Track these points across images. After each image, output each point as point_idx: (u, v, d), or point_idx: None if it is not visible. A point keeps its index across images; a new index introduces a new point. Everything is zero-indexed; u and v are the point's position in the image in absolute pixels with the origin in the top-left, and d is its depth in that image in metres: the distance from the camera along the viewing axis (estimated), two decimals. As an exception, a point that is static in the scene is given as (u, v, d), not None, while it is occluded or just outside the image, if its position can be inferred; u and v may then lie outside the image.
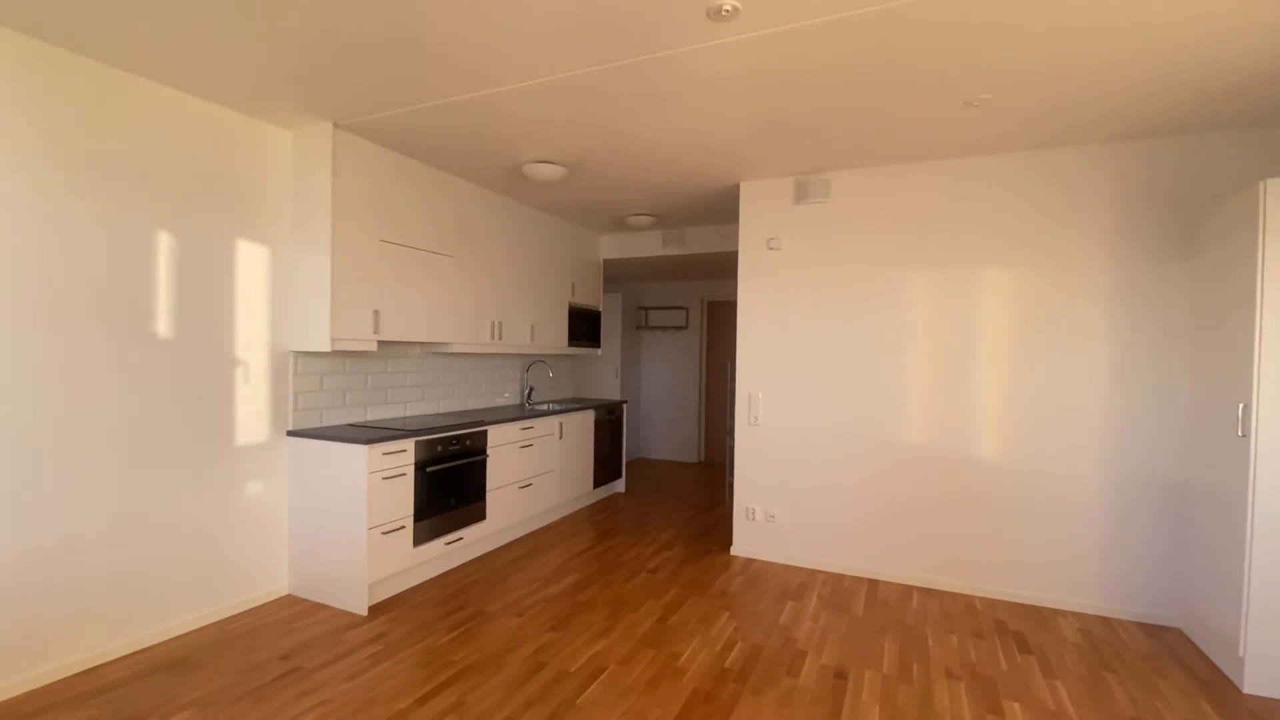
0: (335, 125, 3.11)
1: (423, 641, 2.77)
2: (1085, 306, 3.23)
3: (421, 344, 4.05)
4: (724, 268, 6.35)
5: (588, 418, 5.15)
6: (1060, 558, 3.27)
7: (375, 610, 3.08)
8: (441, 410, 4.34)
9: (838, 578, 3.67)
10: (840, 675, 2.55)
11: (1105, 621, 3.13)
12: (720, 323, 7.34)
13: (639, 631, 2.91)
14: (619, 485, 5.80)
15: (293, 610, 3.08)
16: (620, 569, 3.74)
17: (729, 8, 2.02)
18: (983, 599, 3.38)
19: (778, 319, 3.93)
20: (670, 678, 2.50)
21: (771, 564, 3.88)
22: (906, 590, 3.49)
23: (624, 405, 5.78)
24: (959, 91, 2.66)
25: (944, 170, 3.51)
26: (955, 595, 3.43)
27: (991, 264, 3.41)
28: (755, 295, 4.00)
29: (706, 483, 6.32)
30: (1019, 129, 3.04)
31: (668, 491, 5.89)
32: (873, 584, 3.58)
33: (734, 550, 4.05)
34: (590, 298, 5.69)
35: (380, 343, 3.61)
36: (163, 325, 2.72)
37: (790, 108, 2.84)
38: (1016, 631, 2.99)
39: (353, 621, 2.96)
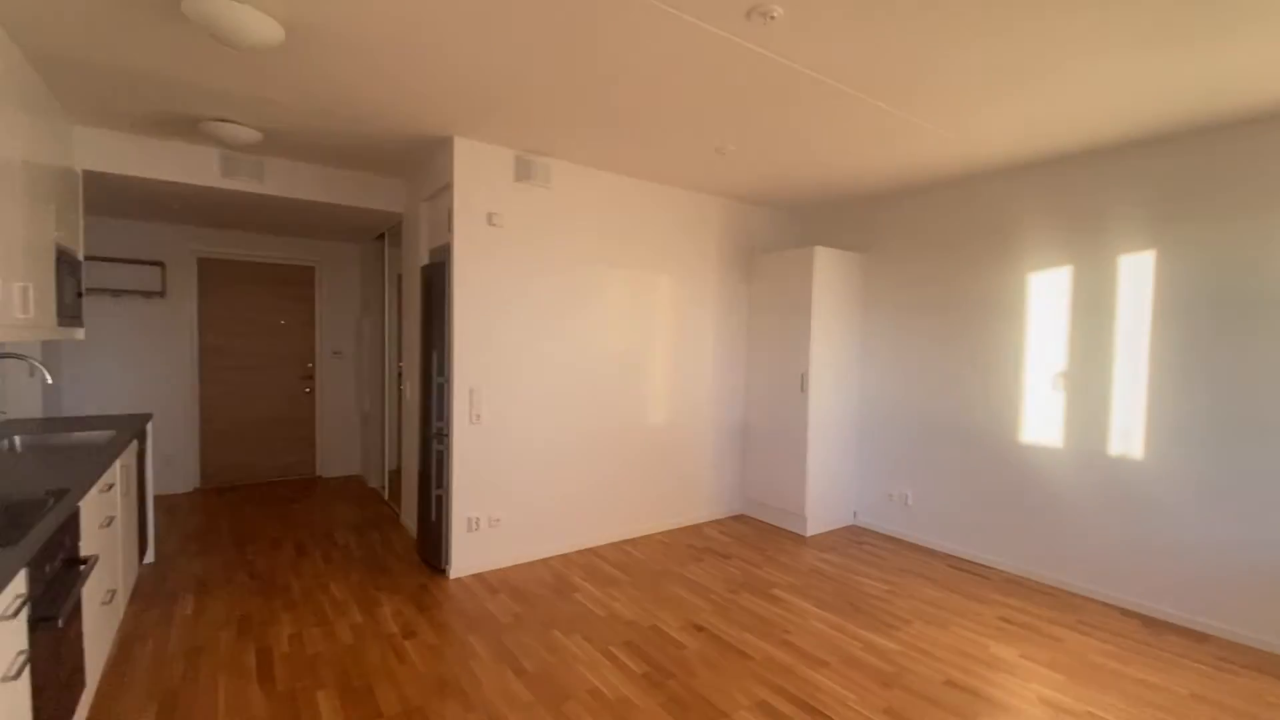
0: None
1: None
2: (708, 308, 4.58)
3: None
4: (270, 218, 4.67)
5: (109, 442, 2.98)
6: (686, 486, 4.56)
7: None
8: None
9: (586, 554, 3.80)
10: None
11: (713, 523, 4.62)
12: (221, 288, 5.26)
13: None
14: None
15: None
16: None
17: None
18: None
19: (505, 304, 3.57)
20: None
21: (505, 569, 3.58)
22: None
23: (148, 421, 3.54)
24: (710, 140, 3.35)
25: (643, 189, 4.13)
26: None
27: (660, 270, 4.29)
28: (475, 274, 3.47)
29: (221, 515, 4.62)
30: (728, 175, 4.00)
31: (221, 539, 4.04)
32: (588, 551, 3.92)
33: (454, 571, 3.46)
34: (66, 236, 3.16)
35: None
36: None
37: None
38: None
39: None
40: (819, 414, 4.33)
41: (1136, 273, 3.23)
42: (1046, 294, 3.57)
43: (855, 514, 4.63)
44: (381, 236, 5.18)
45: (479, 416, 3.52)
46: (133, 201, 4.20)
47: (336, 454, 5.89)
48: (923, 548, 4.12)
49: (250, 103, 2.93)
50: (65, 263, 2.95)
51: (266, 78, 2.64)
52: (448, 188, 3.49)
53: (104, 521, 2.29)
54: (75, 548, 1.90)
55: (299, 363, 5.68)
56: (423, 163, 3.85)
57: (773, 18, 2.04)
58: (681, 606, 3.16)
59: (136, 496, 3.16)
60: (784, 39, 2.21)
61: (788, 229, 5.05)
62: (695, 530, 4.42)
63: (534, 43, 2.29)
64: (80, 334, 3.33)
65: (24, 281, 2.40)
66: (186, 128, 3.28)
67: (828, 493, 4.45)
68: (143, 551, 3.41)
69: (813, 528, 4.37)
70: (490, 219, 3.51)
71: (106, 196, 4.04)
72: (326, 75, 2.60)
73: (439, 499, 3.53)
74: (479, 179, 3.47)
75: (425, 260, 3.99)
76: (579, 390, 3.93)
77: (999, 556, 3.78)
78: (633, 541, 4.15)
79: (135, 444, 3.17)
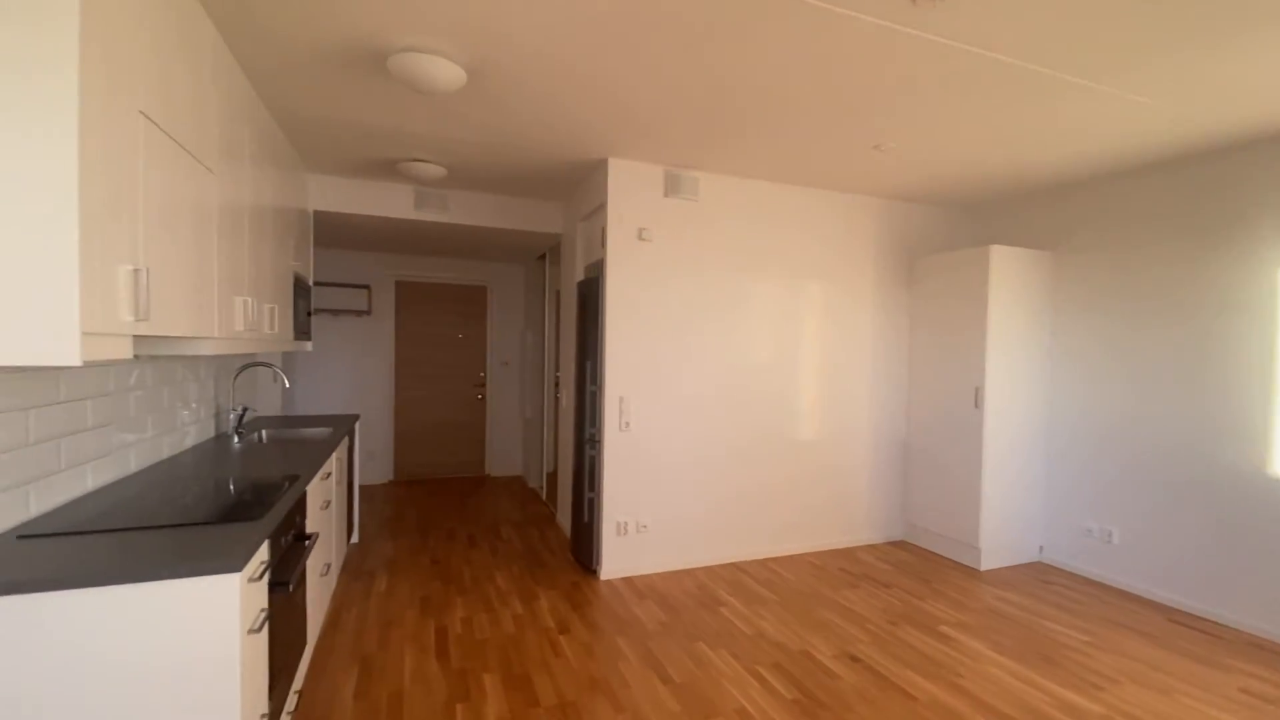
0: None
1: None
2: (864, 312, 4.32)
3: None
4: (451, 244, 5.27)
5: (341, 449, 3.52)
6: (832, 500, 4.31)
7: None
8: (134, 468, 2.24)
9: (729, 568, 3.79)
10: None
11: (869, 546, 4.30)
12: (413, 307, 6.04)
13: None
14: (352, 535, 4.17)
15: None
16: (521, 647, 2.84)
17: None
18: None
19: (654, 316, 3.68)
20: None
21: (651, 575, 3.66)
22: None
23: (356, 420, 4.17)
24: (868, 138, 3.15)
25: (792, 195, 4.03)
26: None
27: (809, 277, 4.13)
28: (626, 287, 3.61)
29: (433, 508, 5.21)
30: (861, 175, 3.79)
31: (411, 530, 4.60)
32: (736, 565, 3.86)
33: (604, 573, 3.60)
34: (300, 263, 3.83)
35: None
36: None
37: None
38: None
39: None
40: (996, 433, 3.87)
41: None
42: (1311, 293, 2.88)
43: (1041, 549, 4.06)
44: (543, 256, 5.59)
45: (628, 424, 3.64)
46: (347, 234, 4.98)
47: (502, 455, 6.44)
48: (1131, 595, 3.50)
49: (438, 142, 3.33)
50: (300, 287, 3.57)
51: (452, 118, 2.99)
52: (602, 207, 3.67)
53: (323, 505, 2.72)
54: (303, 525, 2.27)
55: (473, 372, 6.32)
56: (579, 185, 4.10)
57: None
58: (834, 633, 2.98)
59: (346, 485, 3.71)
60: (956, 21, 2.03)
61: (954, 227, 4.60)
62: (848, 554, 4.16)
63: (691, 57, 2.34)
64: (309, 346, 4.01)
65: (272, 303, 2.94)
66: (387, 169, 3.82)
67: (1007, 523, 3.95)
68: (350, 533, 3.99)
69: (988, 561, 3.90)
70: (640, 234, 3.63)
71: (327, 230, 4.82)
72: (500, 110, 2.88)
73: (591, 502, 3.70)
74: (630, 196, 3.61)
75: (580, 276, 4.24)
76: (726, 402, 3.90)
77: (1239, 614, 3.09)
78: (780, 560, 4.01)
79: (346, 440, 3.72)
